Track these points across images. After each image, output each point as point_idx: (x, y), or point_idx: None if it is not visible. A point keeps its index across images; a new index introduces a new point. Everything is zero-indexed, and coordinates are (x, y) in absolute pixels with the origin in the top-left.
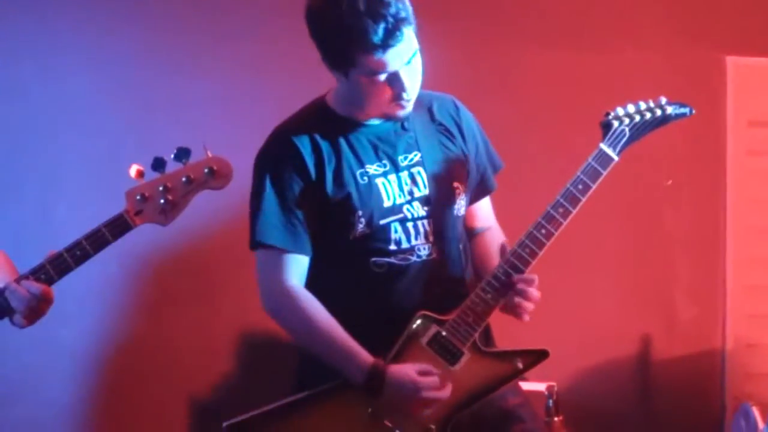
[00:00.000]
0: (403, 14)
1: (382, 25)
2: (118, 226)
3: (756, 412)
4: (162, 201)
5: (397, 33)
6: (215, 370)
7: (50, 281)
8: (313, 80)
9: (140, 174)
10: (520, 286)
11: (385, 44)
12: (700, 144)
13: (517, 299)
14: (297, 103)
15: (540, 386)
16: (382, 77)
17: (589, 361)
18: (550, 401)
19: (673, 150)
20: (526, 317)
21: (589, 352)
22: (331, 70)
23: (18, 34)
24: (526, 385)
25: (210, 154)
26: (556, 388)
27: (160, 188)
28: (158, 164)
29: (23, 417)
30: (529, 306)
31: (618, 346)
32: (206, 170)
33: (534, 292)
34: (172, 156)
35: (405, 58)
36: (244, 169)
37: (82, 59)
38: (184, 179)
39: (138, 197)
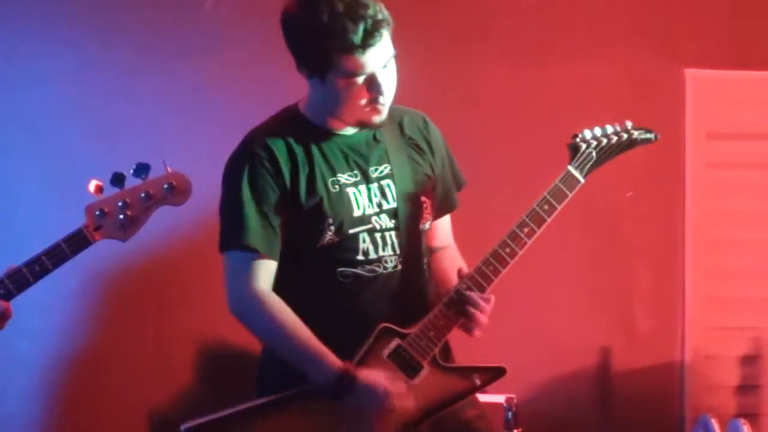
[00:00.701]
0: (380, 16)
1: (361, 26)
2: (77, 242)
3: (715, 423)
4: (121, 216)
5: (376, 33)
6: (175, 381)
7: (9, 296)
8: (277, 92)
9: (99, 189)
10: (474, 301)
11: (365, 44)
12: (659, 156)
13: (471, 310)
14: (259, 116)
15: (499, 398)
16: (360, 79)
17: (549, 372)
18: (510, 413)
19: (632, 162)
20: (477, 332)
21: (549, 364)
22: (308, 75)
23: None
24: (485, 397)
25: (170, 170)
26: (515, 400)
27: (120, 204)
28: (117, 179)
29: None
30: (481, 319)
31: (578, 357)
32: (165, 186)
33: (486, 309)
34: (131, 171)
35: (383, 61)
36: (203, 180)
37: (41, 70)
38: (143, 195)
39: (97, 212)
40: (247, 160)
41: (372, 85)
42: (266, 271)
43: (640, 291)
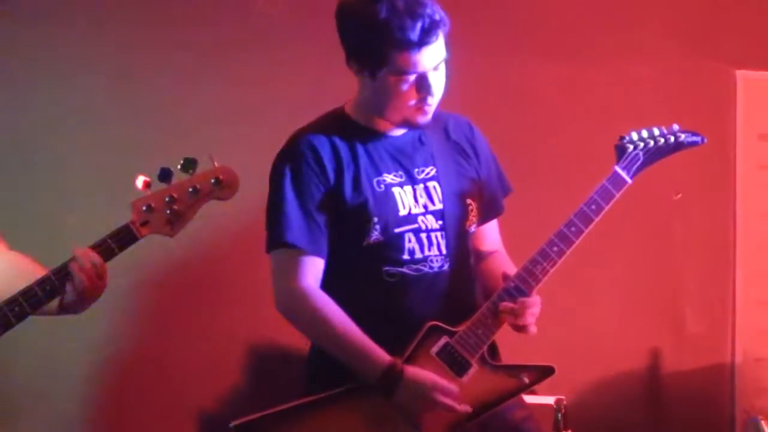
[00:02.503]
0: (437, 16)
1: (419, 23)
2: (123, 237)
3: (765, 426)
4: (168, 212)
5: (433, 33)
6: (223, 380)
7: (54, 292)
8: (324, 90)
9: (147, 185)
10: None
11: (421, 42)
12: (709, 158)
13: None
14: (308, 113)
15: (549, 399)
16: (411, 78)
17: (598, 374)
18: (559, 415)
19: (682, 164)
20: (532, 329)
21: (598, 366)
22: (359, 69)
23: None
24: (534, 399)
25: (216, 164)
26: (564, 402)
27: (167, 199)
28: (165, 175)
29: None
30: (525, 320)
31: (627, 359)
32: (213, 180)
33: (528, 312)
34: (179, 166)
35: (435, 61)
36: (251, 179)
37: (89, 68)
38: (190, 190)
39: (144, 208)
40: (292, 159)
41: (422, 85)
42: (312, 268)
43: (690, 292)
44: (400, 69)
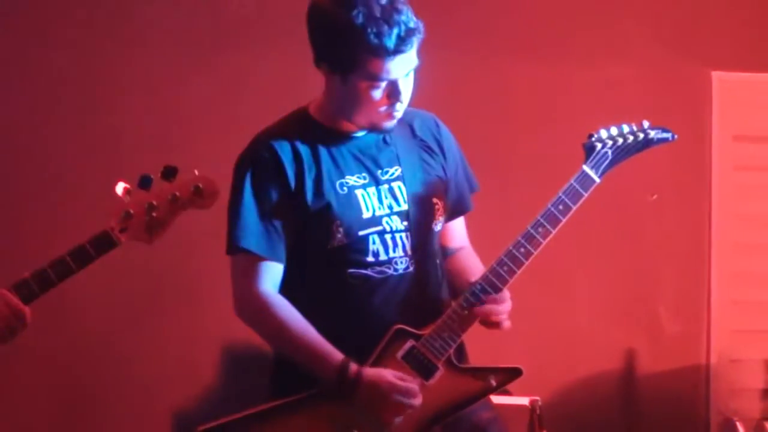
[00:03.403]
0: (413, 24)
1: (395, 31)
2: (102, 243)
3: (741, 427)
4: (147, 219)
5: (408, 41)
6: (199, 383)
7: (32, 296)
8: (300, 91)
9: (127, 191)
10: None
11: (396, 50)
12: (685, 159)
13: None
14: (281, 113)
15: (524, 400)
16: (382, 84)
17: (574, 375)
18: (534, 415)
19: (657, 164)
20: (506, 324)
21: (574, 366)
22: (329, 72)
23: None
24: (509, 399)
25: (197, 173)
26: (540, 402)
27: (146, 206)
28: (145, 182)
29: None
30: (500, 316)
31: (602, 360)
32: (193, 189)
33: (501, 308)
34: (160, 174)
35: (407, 69)
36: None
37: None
38: (170, 197)
39: (123, 214)
40: (251, 163)
41: (392, 91)
42: (270, 274)
43: (666, 293)
44: (372, 75)
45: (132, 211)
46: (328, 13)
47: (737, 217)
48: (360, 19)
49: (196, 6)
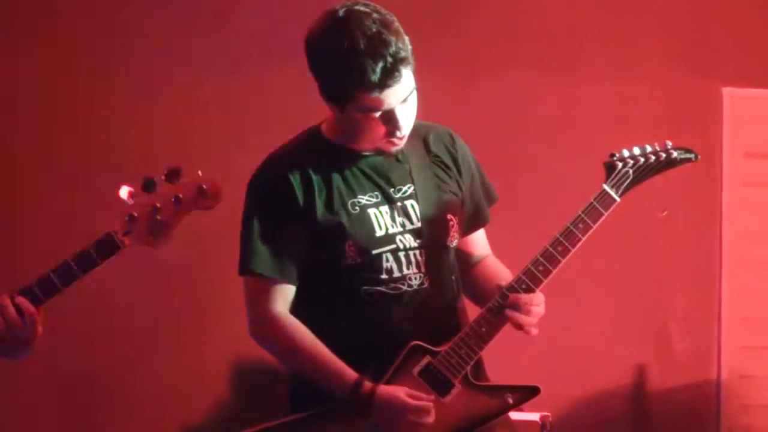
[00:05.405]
0: (402, 54)
1: (380, 65)
2: (105, 247)
3: None
4: (152, 222)
5: (396, 73)
6: (210, 397)
7: (37, 302)
8: (310, 106)
9: (130, 195)
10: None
11: (383, 84)
12: (695, 175)
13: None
14: (291, 126)
15: (534, 416)
16: (377, 114)
17: (584, 391)
18: (544, 431)
19: (668, 181)
20: (533, 331)
21: (584, 382)
22: (327, 102)
23: None
24: (520, 415)
25: (200, 174)
26: (550, 418)
27: (150, 208)
28: (148, 185)
29: None
30: (524, 321)
31: (612, 376)
32: (196, 189)
33: (528, 312)
34: (163, 176)
35: (401, 97)
36: (236, 189)
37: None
38: (173, 199)
39: (127, 218)
40: (261, 187)
41: (389, 120)
42: (282, 295)
43: (676, 310)
44: (364, 108)
45: (136, 214)
46: (317, 46)
47: (748, 233)
48: (345, 54)
49: (209, 18)
